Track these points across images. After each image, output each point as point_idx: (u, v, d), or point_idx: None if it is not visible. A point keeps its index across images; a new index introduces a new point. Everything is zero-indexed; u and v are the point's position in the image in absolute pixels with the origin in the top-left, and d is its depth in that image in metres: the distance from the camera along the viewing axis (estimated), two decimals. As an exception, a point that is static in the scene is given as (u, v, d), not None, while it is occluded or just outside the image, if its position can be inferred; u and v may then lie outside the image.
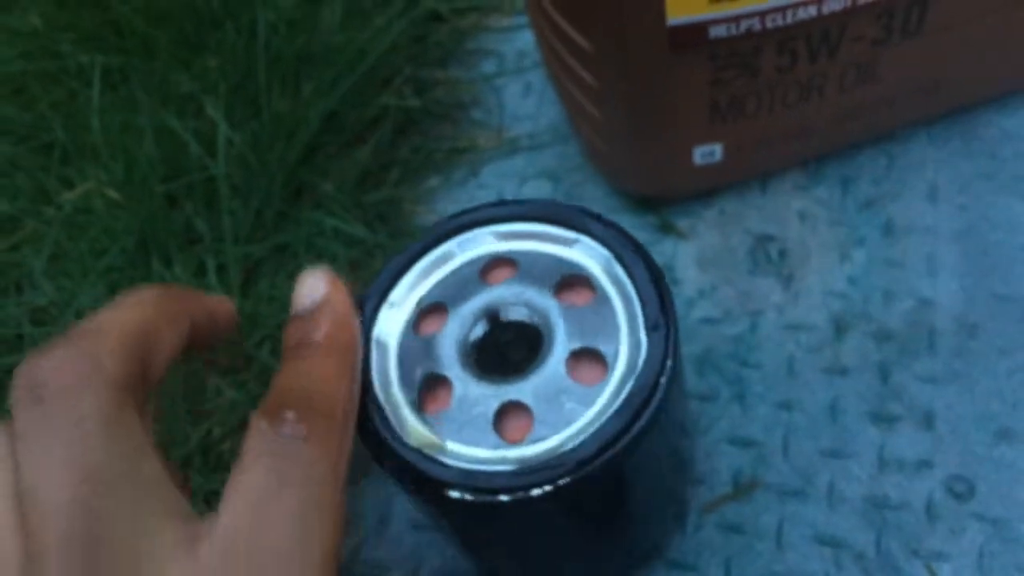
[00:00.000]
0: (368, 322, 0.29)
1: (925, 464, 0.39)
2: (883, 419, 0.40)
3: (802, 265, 0.45)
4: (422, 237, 0.30)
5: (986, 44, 0.42)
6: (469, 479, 0.25)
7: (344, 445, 0.23)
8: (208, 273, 0.46)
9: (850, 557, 0.38)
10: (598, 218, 0.30)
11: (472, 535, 0.31)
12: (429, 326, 0.29)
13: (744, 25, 0.36)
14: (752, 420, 0.41)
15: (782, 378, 0.42)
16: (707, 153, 0.43)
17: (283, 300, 0.45)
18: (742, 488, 0.40)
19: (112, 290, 0.46)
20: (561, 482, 0.25)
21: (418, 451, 0.26)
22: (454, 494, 0.25)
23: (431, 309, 0.29)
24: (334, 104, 0.50)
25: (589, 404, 0.26)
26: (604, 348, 0.27)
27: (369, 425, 0.27)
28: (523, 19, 0.57)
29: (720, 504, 0.39)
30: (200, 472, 0.41)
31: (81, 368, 0.21)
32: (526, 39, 0.56)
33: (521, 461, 0.26)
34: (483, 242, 0.30)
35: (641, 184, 0.46)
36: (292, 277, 0.45)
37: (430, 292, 0.30)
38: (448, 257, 0.30)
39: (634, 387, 0.26)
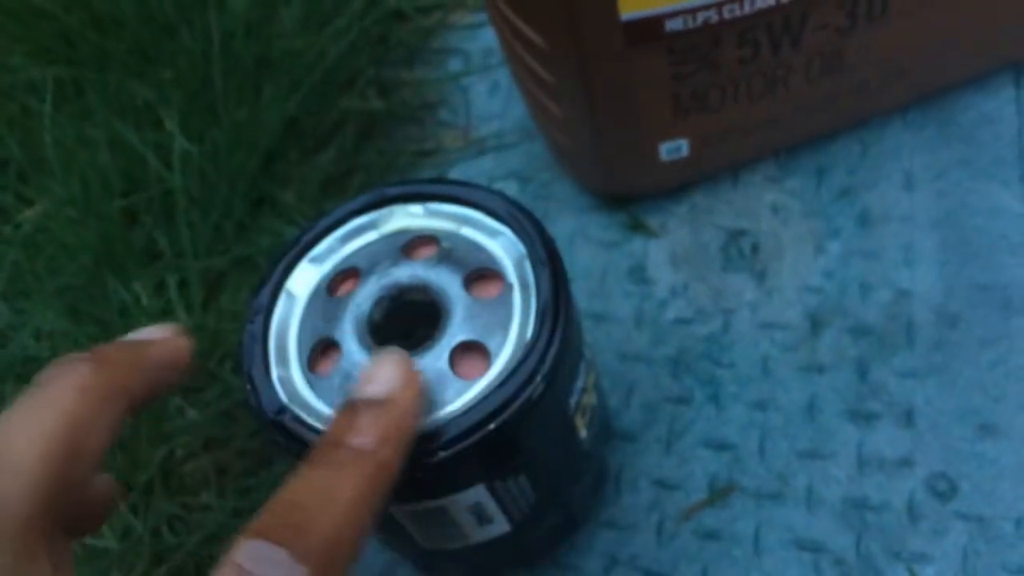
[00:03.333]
0: (284, 271, 0.29)
1: (905, 463, 0.38)
2: (861, 417, 0.39)
3: (776, 260, 0.44)
4: (358, 199, 0.31)
5: (953, 25, 0.40)
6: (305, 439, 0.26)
7: None
8: (169, 289, 0.45)
9: (830, 561, 0.36)
10: (522, 213, 0.29)
11: None
12: (343, 289, 0.29)
13: (701, 17, 0.35)
14: (727, 422, 0.40)
15: (757, 377, 0.41)
16: (673, 148, 0.42)
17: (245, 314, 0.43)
18: (718, 492, 0.39)
19: (71, 310, 0.45)
20: None
21: (280, 403, 0.27)
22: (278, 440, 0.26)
23: (348, 273, 0.29)
24: (294, 110, 0.49)
25: (461, 396, 0.26)
26: (492, 346, 0.27)
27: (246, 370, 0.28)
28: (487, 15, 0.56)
29: (696, 510, 0.38)
30: (161, 496, 0.40)
31: None
32: (491, 36, 0.54)
33: None
34: (413, 216, 0.30)
35: (608, 182, 0.45)
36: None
37: (351, 256, 0.30)
38: (376, 224, 0.30)
39: (499, 398, 0.26)
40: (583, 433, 0.32)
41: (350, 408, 0.23)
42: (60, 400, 0.21)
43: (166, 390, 0.24)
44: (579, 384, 0.30)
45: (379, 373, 0.24)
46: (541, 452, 0.30)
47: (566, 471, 0.33)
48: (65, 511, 0.20)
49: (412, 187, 0.31)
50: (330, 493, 0.21)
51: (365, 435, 0.22)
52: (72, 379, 0.21)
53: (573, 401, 0.30)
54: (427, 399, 0.26)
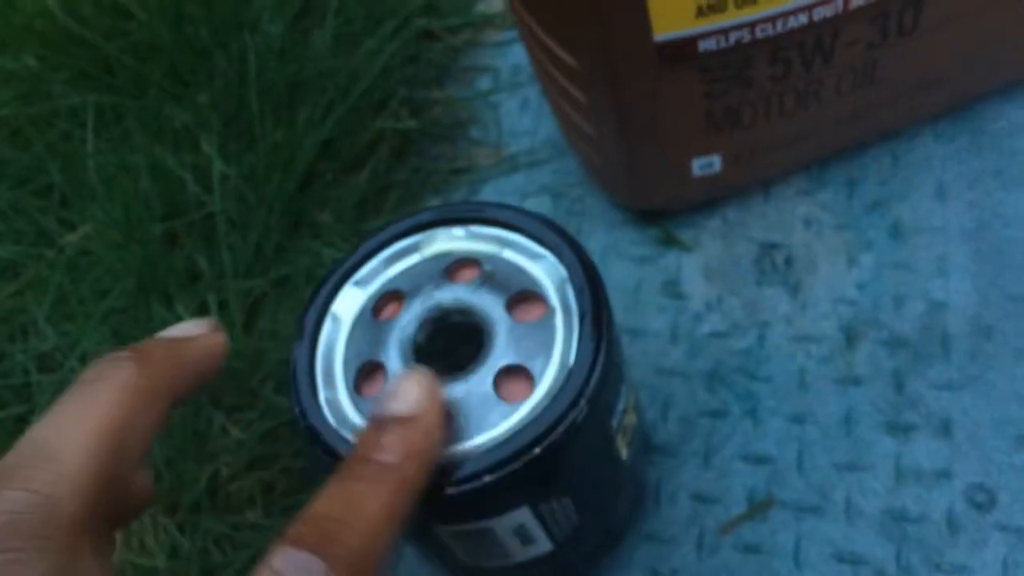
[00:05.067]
0: (329, 295, 0.30)
1: (944, 474, 0.38)
2: (899, 429, 0.39)
3: (809, 273, 0.44)
4: (400, 223, 0.31)
5: (983, 37, 0.40)
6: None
7: None
8: (210, 310, 0.46)
9: (870, 573, 0.37)
10: (563, 236, 0.30)
11: None
12: (387, 312, 0.30)
13: (734, 37, 0.35)
14: (764, 436, 0.40)
15: (793, 391, 0.41)
16: (705, 164, 0.42)
17: (285, 335, 0.44)
18: (757, 506, 0.39)
19: (115, 333, 0.46)
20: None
21: (326, 424, 0.27)
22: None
23: (392, 296, 0.30)
24: (329, 131, 0.50)
25: (506, 419, 0.27)
26: (535, 369, 0.27)
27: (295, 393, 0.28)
28: (517, 32, 0.56)
29: (736, 524, 0.39)
30: (208, 515, 0.41)
31: (35, 520, 0.19)
32: (521, 53, 0.55)
33: None
34: (455, 239, 0.31)
35: (640, 198, 0.45)
36: (293, 311, 0.45)
37: (394, 279, 0.30)
38: (418, 247, 0.31)
39: (543, 422, 0.26)
40: (624, 453, 0.32)
41: (376, 424, 0.24)
42: (106, 400, 0.21)
43: (202, 387, 0.25)
44: (620, 406, 0.30)
45: (404, 391, 0.24)
46: (584, 474, 0.30)
47: (608, 491, 0.33)
48: (108, 508, 0.21)
49: (454, 210, 0.31)
50: (358, 506, 0.22)
51: (391, 451, 0.23)
52: (117, 379, 0.21)
53: (615, 423, 0.30)
54: (452, 420, 0.27)
